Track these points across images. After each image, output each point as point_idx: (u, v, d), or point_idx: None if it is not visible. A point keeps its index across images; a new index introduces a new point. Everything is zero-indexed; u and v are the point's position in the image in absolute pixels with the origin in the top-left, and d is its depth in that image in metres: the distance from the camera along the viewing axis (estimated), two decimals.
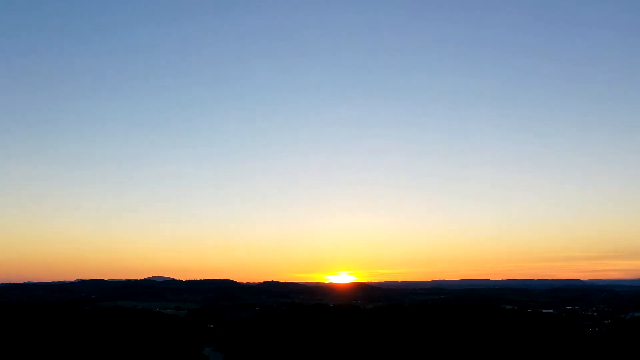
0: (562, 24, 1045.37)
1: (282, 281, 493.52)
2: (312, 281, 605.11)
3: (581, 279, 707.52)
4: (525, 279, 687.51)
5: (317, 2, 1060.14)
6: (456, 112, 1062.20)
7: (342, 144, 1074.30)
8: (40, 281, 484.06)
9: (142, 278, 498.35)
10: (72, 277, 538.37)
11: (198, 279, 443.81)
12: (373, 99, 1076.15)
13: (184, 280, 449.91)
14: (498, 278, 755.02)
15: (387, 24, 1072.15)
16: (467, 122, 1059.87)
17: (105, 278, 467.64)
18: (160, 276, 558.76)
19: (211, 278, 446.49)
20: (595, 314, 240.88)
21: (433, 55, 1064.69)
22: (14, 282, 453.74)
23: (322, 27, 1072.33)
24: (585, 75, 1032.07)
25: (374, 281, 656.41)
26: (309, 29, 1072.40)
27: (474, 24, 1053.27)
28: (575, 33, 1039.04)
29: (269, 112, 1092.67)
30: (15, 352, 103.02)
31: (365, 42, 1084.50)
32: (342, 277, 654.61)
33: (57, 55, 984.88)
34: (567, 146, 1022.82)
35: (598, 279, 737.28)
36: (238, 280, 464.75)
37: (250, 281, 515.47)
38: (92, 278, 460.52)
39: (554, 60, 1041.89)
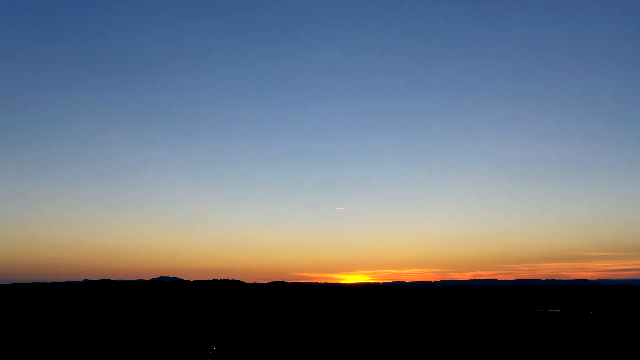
0: (564, 23, 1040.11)
1: (289, 281, 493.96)
2: (319, 281, 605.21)
3: (589, 278, 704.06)
4: (533, 279, 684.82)
5: None
6: (466, 110, 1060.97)
7: (349, 142, 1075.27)
8: (47, 281, 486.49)
9: (149, 278, 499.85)
10: (79, 278, 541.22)
11: (205, 279, 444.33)
12: (380, 96, 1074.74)
13: (191, 280, 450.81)
14: (506, 278, 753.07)
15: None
16: (477, 120, 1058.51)
17: (113, 278, 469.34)
18: (168, 276, 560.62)
19: (218, 278, 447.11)
20: (604, 314, 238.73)
21: (436, 53, 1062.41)
22: (21, 281, 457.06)
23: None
24: (596, 72, 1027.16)
25: (382, 281, 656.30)
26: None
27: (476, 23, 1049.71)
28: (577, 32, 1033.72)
29: (269, 110, 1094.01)
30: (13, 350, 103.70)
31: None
32: (350, 277, 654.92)
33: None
34: (577, 145, 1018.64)
35: (607, 279, 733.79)
36: (245, 281, 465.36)
37: (258, 281, 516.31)
38: (100, 278, 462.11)
39: (562, 59, 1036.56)
